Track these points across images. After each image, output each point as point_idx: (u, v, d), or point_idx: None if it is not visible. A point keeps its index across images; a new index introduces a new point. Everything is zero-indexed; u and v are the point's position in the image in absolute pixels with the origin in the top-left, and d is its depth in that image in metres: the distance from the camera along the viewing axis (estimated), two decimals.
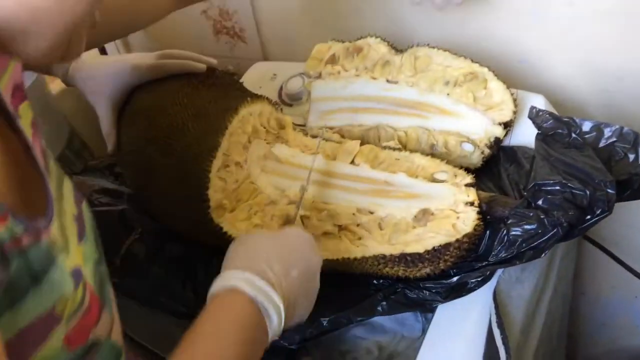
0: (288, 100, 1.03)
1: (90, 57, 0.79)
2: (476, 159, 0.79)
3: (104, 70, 0.76)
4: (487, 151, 0.78)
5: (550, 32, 0.93)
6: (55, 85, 1.62)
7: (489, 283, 0.65)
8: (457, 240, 0.61)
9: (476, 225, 0.62)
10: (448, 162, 0.74)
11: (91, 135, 1.65)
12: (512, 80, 0.82)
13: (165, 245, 0.82)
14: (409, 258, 0.61)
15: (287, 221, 0.68)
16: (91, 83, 0.76)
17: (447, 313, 0.65)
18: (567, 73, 0.96)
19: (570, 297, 1.11)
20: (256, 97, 0.75)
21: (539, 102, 0.86)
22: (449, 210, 0.65)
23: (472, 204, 0.65)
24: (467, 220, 0.63)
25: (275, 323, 0.50)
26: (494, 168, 0.79)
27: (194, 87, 0.74)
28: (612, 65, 0.89)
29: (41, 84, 1.22)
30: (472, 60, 0.81)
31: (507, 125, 0.78)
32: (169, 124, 0.70)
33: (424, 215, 0.65)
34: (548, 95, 0.88)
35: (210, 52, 1.39)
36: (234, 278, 0.51)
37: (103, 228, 0.87)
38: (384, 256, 0.62)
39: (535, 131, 0.81)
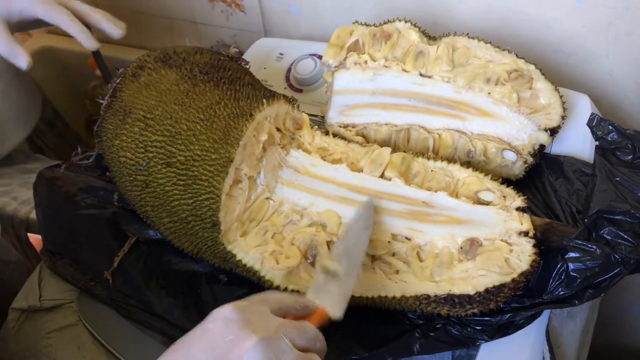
0: (298, 85, 0.92)
1: None
2: (518, 169, 0.70)
3: None
4: (530, 160, 0.70)
5: (593, 19, 0.83)
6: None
7: (538, 319, 0.58)
8: (513, 281, 0.53)
9: (533, 260, 0.54)
10: (487, 172, 0.65)
11: (65, 102, 1.50)
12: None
13: (164, 257, 0.72)
14: (456, 300, 0.53)
15: (311, 249, 0.58)
16: None
17: (493, 355, 0.57)
18: (610, 68, 0.87)
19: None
20: (272, 97, 0.63)
21: (584, 103, 0.77)
22: (500, 241, 0.56)
23: (526, 233, 0.56)
24: (522, 255, 0.55)
25: None
26: (537, 181, 0.70)
27: (197, 82, 0.62)
28: None
29: None
30: (517, 56, 0.71)
31: (554, 132, 0.69)
32: (169, 128, 0.58)
33: (472, 247, 0.56)
34: (585, 92, 0.78)
35: (203, 21, 1.25)
36: None
37: (90, 236, 0.79)
38: (427, 297, 0.54)
39: (579, 139, 0.73)
